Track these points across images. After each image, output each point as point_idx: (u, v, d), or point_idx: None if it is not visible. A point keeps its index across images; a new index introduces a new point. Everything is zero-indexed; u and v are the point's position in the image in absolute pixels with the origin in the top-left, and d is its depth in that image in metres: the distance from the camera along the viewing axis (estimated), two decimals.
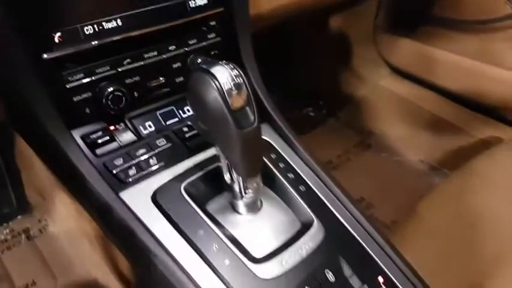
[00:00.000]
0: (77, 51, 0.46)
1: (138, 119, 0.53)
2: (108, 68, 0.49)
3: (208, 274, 0.42)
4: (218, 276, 0.42)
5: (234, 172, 0.45)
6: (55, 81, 0.46)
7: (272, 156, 0.54)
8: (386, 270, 0.47)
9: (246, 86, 0.40)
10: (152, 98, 0.54)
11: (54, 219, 1.02)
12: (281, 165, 0.54)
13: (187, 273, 0.42)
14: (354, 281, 0.45)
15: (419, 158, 1.30)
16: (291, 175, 0.53)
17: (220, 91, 0.39)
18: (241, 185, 0.45)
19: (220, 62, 0.40)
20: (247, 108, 0.41)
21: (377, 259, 0.47)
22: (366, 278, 0.45)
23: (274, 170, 0.53)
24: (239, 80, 0.40)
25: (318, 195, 0.52)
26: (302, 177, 0.53)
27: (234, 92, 0.39)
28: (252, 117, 0.41)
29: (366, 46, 1.44)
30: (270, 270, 0.43)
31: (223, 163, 0.45)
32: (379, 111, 1.44)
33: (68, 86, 0.47)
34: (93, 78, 0.48)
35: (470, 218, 0.79)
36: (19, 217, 1.07)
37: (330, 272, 0.44)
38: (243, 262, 0.43)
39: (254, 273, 0.43)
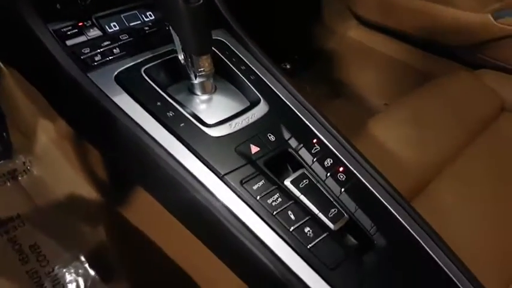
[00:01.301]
0: None
1: (104, 19, 0.59)
2: None
3: (165, 133, 0.49)
4: (173, 135, 0.49)
5: (186, 51, 0.52)
6: None
7: (226, 52, 0.61)
8: (319, 135, 0.54)
9: None
10: (117, 1, 0.61)
11: (38, 158, 1.08)
12: (234, 59, 0.60)
13: (147, 133, 0.49)
14: (292, 141, 0.52)
15: (385, 101, 1.38)
16: (243, 67, 0.60)
17: None
18: (194, 63, 0.52)
19: None
20: None
21: (312, 127, 0.55)
22: (302, 140, 0.52)
23: (228, 62, 0.60)
24: None
25: (265, 81, 0.59)
26: (252, 69, 0.60)
27: None
28: None
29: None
30: (219, 131, 0.50)
31: (176, 43, 0.52)
32: (347, 61, 1.51)
33: None
34: None
35: (416, 132, 0.88)
36: (3, 161, 1.12)
37: (272, 135, 0.52)
38: (195, 125, 0.50)
39: (206, 132, 0.50)
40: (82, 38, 0.56)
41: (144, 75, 0.54)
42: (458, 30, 1.16)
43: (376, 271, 0.45)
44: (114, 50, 0.56)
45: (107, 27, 0.59)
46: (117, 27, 0.60)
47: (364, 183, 0.51)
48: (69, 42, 0.55)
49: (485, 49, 1.11)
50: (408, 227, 0.48)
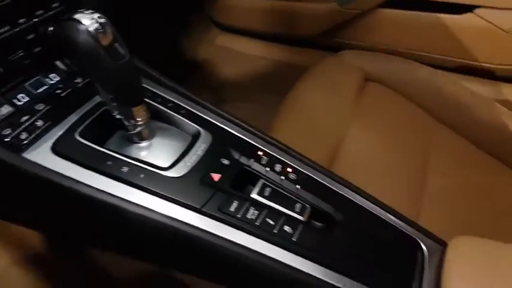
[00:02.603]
0: None
1: (9, 93, 0.55)
2: None
3: (131, 190, 0.50)
4: (139, 189, 0.50)
5: (121, 105, 0.52)
6: None
7: (149, 94, 0.63)
8: (261, 147, 0.61)
9: (109, 24, 0.47)
10: (18, 72, 0.57)
11: None
12: (159, 99, 0.62)
13: (116, 196, 0.48)
14: (243, 159, 0.57)
15: (267, 98, 1.51)
16: (170, 104, 0.62)
17: (89, 32, 0.46)
18: (130, 115, 0.53)
19: (79, 11, 0.47)
20: (117, 44, 0.49)
21: (253, 142, 0.61)
22: (250, 155, 0.58)
23: (154, 104, 0.61)
24: (102, 20, 0.47)
25: (195, 113, 0.62)
26: (180, 104, 0.63)
27: (101, 30, 0.46)
28: (123, 51, 0.49)
29: (197, 11, 1.57)
30: (178, 171, 0.53)
31: (106, 99, 0.52)
32: (222, 68, 1.60)
33: None
34: None
35: (312, 119, 1.01)
36: None
37: (225, 159, 0.56)
38: (155, 172, 0.52)
39: (167, 176, 0.52)
40: None
41: (80, 139, 0.53)
42: (312, 21, 1.34)
43: (348, 240, 0.54)
44: (37, 123, 0.53)
45: (15, 100, 0.55)
46: (27, 98, 0.56)
47: (309, 175, 0.60)
48: None
49: (340, 33, 1.31)
50: (355, 201, 0.59)
